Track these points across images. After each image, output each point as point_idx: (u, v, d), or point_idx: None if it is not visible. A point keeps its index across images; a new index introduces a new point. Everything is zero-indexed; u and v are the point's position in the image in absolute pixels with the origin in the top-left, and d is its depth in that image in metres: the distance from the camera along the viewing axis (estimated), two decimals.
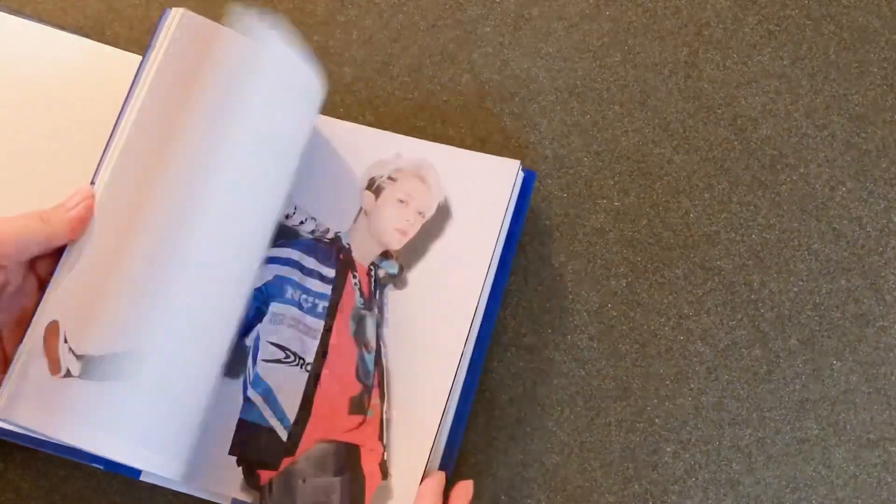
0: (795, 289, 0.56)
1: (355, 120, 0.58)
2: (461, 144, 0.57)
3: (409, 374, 0.51)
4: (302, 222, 0.53)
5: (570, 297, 0.56)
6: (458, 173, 0.53)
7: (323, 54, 0.59)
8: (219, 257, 0.47)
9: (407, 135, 0.57)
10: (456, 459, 0.51)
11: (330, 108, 0.58)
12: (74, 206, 0.45)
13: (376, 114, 0.58)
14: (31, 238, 0.44)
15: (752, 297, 0.55)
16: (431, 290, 0.52)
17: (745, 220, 0.57)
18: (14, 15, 0.57)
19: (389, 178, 0.54)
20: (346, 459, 0.49)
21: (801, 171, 0.57)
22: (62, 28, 0.57)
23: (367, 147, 0.54)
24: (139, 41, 0.58)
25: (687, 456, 0.53)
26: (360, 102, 0.59)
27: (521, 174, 0.54)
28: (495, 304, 0.53)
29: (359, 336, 0.51)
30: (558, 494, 0.53)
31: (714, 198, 0.57)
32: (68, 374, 0.43)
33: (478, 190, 0.53)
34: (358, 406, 0.50)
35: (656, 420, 0.54)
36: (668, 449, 0.54)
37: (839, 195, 0.57)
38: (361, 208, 0.54)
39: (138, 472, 0.50)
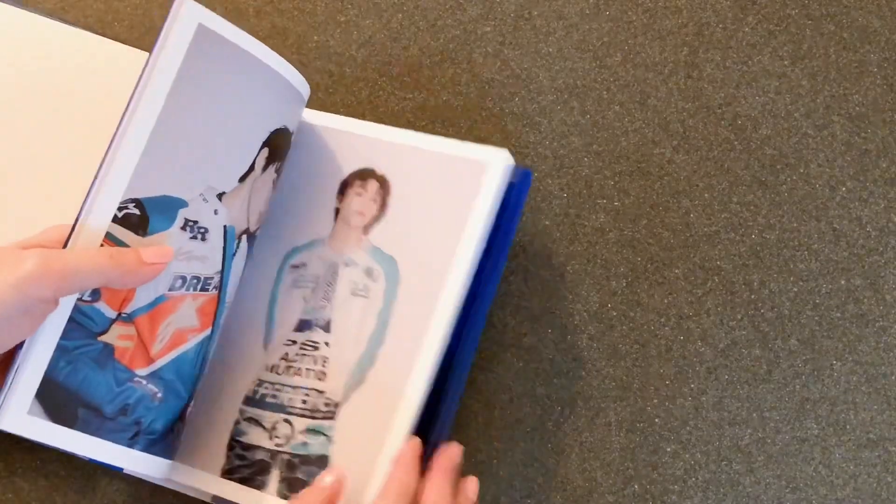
0: (795, 289, 0.56)
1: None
2: None
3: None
4: None
5: (570, 297, 0.56)
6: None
7: (323, 54, 0.59)
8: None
9: None
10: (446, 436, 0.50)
11: (330, 108, 0.58)
12: (154, 264, 0.44)
13: (376, 114, 0.58)
14: (99, 277, 0.42)
15: (752, 297, 0.55)
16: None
17: (745, 220, 0.57)
18: (20, 8, 0.57)
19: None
20: None
21: (801, 171, 0.57)
22: (68, 23, 0.57)
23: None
24: (139, 41, 0.58)
25: (687, 456, 0.53)
26: (360, 102, 0.59)
27: (508, 165, 0.50)
28: (483, 297, 0.51)
29: None
30: (558, 494, 0.53)
31: (714, 198, 0.57)
32: None
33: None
34: None
35: (656, 420, 0.54)
36: (668, 449, 0.54)
37: (839, 195, 0.57)
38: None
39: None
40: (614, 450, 0.54)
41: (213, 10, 0.59)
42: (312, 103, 0.58)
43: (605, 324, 0.55)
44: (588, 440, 0.54)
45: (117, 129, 0.44)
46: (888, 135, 0.58)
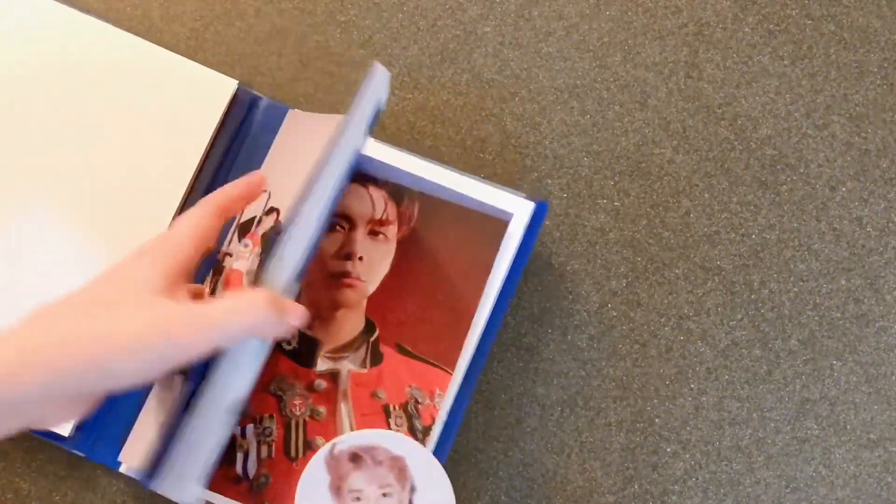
0: (795, 289, 0.56)
1: None
2: (461, 145, 0.57)
3: None
4: None
5: (570, 297, 0.56)
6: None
7: (323, 54, 0.59)
8: None
9: (407, 135, 0.57)
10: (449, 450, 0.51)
11: (330, 108, 0.58)
12: (300, 318, 0.40)
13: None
14: (249, 329, 0.38)
15: (752, 297, 0.55)
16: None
17: (745, 220, 0.57)
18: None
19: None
20: None
21: (801, 171, 0.57)
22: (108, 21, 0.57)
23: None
24: None
25: (687, 456, 0.53)
26: None
27: (529, 213, 0.52)
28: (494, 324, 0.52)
29: None
30: (558, 494, 0.53)
31: (714, 198, 0.57)
32: None
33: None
34: None
35: (656, 420, 0.54)
36: (668, 449, 0.54)
37: (839, 195, 0.57)
38: None
39: (118, 463, 0.50)
40: (614, 450, 0.54)
41: (213, 9, 0.59)
42: (312, 105, 0.58)
43: (605, 324, 0.55)
44: (588, 440, 0.54)
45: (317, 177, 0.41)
46: (888, 135, 0.58)
